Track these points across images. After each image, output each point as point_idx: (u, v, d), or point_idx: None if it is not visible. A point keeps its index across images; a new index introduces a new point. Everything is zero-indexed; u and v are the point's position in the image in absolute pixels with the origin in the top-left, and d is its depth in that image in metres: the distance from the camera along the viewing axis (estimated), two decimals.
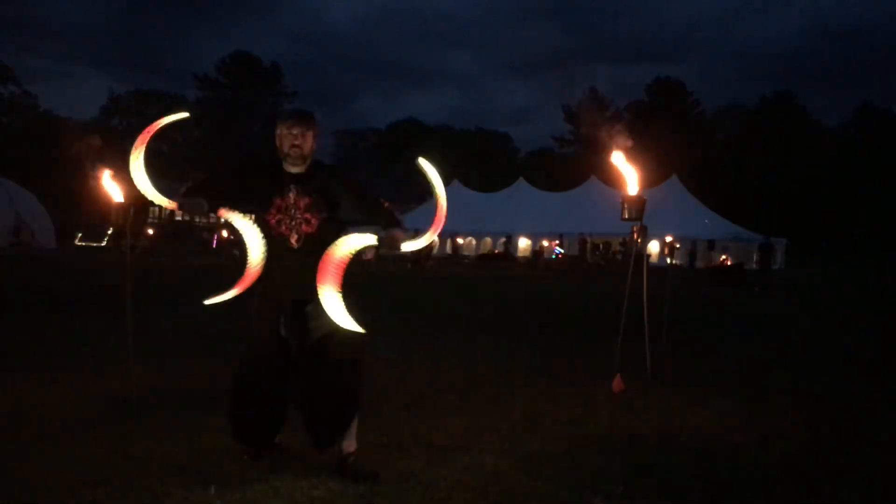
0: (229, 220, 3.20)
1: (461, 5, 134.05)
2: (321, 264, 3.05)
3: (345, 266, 3.08)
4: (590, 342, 7.53)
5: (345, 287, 3.11)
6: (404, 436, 3.80)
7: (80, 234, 37.45)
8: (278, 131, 3.28)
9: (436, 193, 3.33)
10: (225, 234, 37.09)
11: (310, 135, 3.26)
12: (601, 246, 33.37)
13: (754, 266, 25.61)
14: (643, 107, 70.45)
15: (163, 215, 56.30)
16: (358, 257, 3.21)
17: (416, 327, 8.21)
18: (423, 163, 3.33)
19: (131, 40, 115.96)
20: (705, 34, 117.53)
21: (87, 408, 4.19)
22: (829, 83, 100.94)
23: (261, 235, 3.17)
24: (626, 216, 5.43)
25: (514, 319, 10.17)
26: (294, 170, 3.28)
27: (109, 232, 34.42)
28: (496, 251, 37.01)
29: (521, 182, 44.42)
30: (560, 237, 33.46)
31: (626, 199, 5.44)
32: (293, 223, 3.20)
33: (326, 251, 3.06)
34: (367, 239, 3.09)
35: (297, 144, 3.23)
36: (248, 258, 3.18)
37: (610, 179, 31.82)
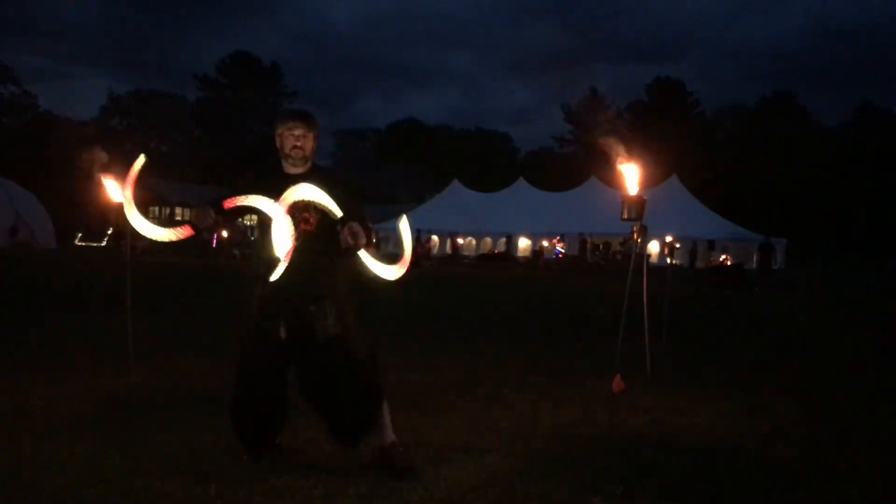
0: (250, 206, 3.11)
1: (461, 5, 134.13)
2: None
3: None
4: (590, 342, 7.53)
5: (344, 290, 3.12)
6: (404, 436, 3.79)
7: (80, 234, 37.45)
8: (279, 132, 3.26)
9: (403, 248, 3.31)
10: (225, 234, 37.08)
11: (311, 136, 3.25)
12: (601, 246, 33.38)
13: (754, 266, 25.61)
14: (643, 107, 70.49)
15: (162, 215, 56.33)
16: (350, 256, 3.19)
17: (415, 327, 8.21)
18: (403, 225, 3.36)
19: (131, 40, 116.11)
20: (705, 34, 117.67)
21: (87, 408, 4.19)
22: (829, 83, 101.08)
23: (283, 211, 3.07)
24: (626, 216, 5.44)
25: (514, 319, 10.16)
26: (294, 170, 3.27)
27: (109, 232, 34.41)
28: (496, 251, 37.02)
29: (521, 182, 44.43)
30: (561, 237, 33.46)
31: (626, 199, 5.44)
32: (295, 222, 3.16)
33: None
34: (328, 201, 3.02)
35: (298, 146, 3.22)
36: (282, 237, 3.06)
37: (610, 179, 31.85)
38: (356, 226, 2.99)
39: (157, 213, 56.74)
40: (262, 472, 3.16)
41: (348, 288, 3.32)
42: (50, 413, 4.04)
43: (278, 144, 3.28)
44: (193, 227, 3.13)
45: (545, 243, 34.19)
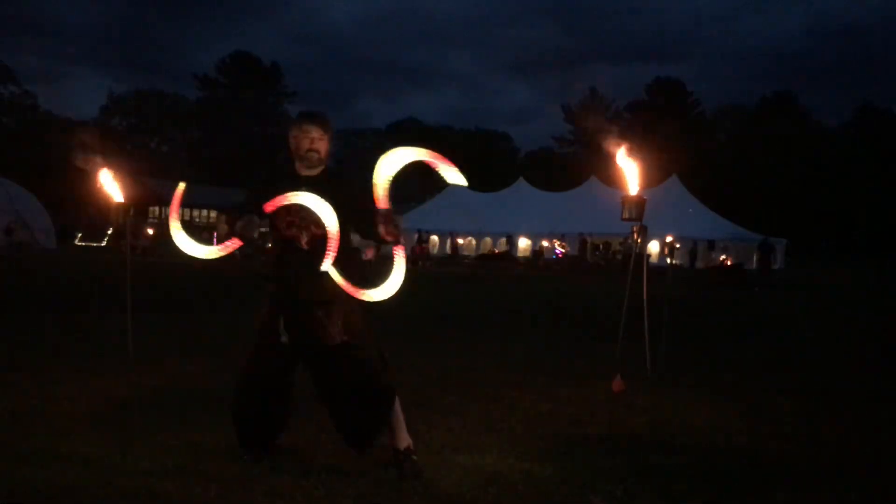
0: (295, 203, 3.05)
1: (461, 5, 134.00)
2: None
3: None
4: (590, 342, 7.53)
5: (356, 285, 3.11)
6: None
7: (80, 234, 37.45)
8: (293, 134, 3.22)
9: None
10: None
11: (326, 137, 3.22)
12: (601, 246, 33.37)
13: (754, 266, 25.62)
14: (643, 107, 70.48)
15: (162, 216, 56.31)
16: (358, 257, 3.19)
17: (415, 327, 8.21)
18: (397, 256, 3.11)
19: (131, 40, 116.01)
20: (705, 34, 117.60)
21: (87, 408, 4.19)
22: (829, 83, 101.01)
23: (323, 201, 3.02)
24: (626, 216, 5.44)
25: (514, 319, 10.17)
26: (308, 172, 3.24)
27: (109, 232, 34.43)
28: (496, 251, 37.01)
29: (521, 182, 44.42)
30: (561, 237, 33.45)
31: (626, 199, 5.44)
32: (304, 224, 3.15)
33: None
34: (326, 212, 2.97)
35: (314, 148, 3.19)
36: (327, 228, 3.02)
37: (610, 179, 31.87)
38: (399, 219, 2.99)
39: (157, 213, 56.74)
40: (262, 473, 3.16)
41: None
42: (50, 413, 4.04)
43: (292, 146, 3.24)
44: (241, 237, 3.08)
45: (545, 243, 34.19)
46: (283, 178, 3.24)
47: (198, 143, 74.47)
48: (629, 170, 5.31)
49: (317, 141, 3.20)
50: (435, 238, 36.13)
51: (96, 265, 19.46)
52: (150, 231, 35.78)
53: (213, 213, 59.14)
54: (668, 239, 20.59)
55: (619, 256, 30.13)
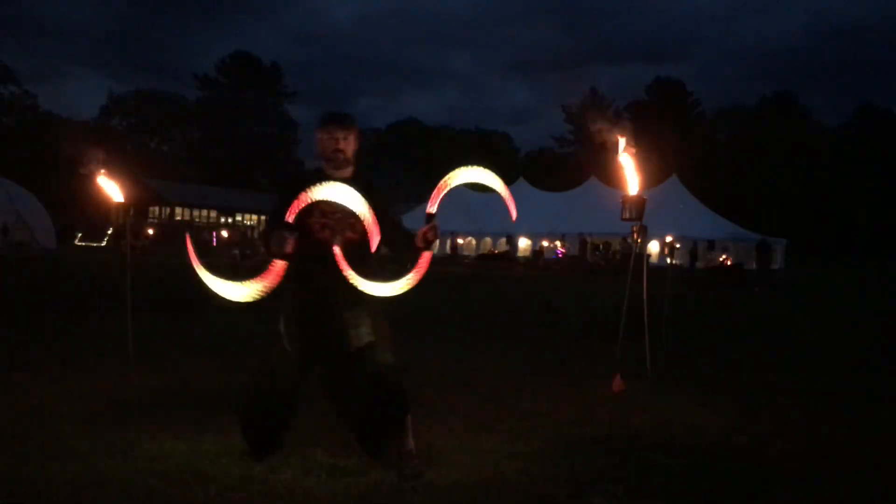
0: (329, 204, 3.01)
1: (461, 5, 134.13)
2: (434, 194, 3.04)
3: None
4: (590, 342, 7.53)
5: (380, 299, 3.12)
6: None
7: (80, 234, 37.48)
8: (318, 136, 3.20)
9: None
10: (225, 234, 37.10)
11: (351, 137, 3.19)
12: (601, 246, 33.38)
13: (754, 266, 25.62)
14: (643, 107, 70.49)
15: (163, 215, 56.33)
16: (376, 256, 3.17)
17: (415, 327, 8.21)
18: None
19: (131, 40, 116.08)
20: (705, 34, 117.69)
21: (87, 408, 4.19)
22: (829, 83, 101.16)
23: (348, 188, 2.96)
24: (626, 216, 5.43)
25: (514, 319, 10.17)
26: (338, 174, 3.20)
27: (109, 232, 34.44)
28: (496, 251, 37.02)
29: (521, 182, 44.41)
30: (561, 237, 33.46)
31: (626, 199, 5.44)
32: (339, 227, 3.13)
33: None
34: (360, 205, 2.94)
35: (340, 148, 3.17)
36: (358, 207, 2.95)
37: (610, 179, 31.87)
38: (437, 224, 3.04)
39: (157, 213, 56.73)
40: (262, 473, 3.16)
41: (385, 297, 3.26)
42: (50, 413, 4.04)
43: (319, 149, 3.22)
44: (276, 254, 2.95)
45: (545, 243, 34.19)
46: (313, 181, 3.17)
47: (198, 143, 74.48)
48: (631, 169, 5.30)
49: (341, 141, 3.17)
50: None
51: (96, 265, 19.47)
52: (150, 231, 35.81)
53: (213, 213, 59.16)
54: (668, 239, 20.61)
55: (618, 256, 30.16)
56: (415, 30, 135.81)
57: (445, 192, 3.09)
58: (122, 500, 2.86)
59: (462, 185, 3.33)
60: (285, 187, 3.17)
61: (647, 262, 6.24)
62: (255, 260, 27.25)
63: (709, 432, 4.17)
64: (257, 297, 2.95)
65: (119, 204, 5.63)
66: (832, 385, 5.77)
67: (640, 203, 5.39)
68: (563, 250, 32.76)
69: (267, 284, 2.94)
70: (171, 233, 43.28)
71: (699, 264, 29.69)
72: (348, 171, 3.24)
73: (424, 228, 3.04)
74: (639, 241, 5.67)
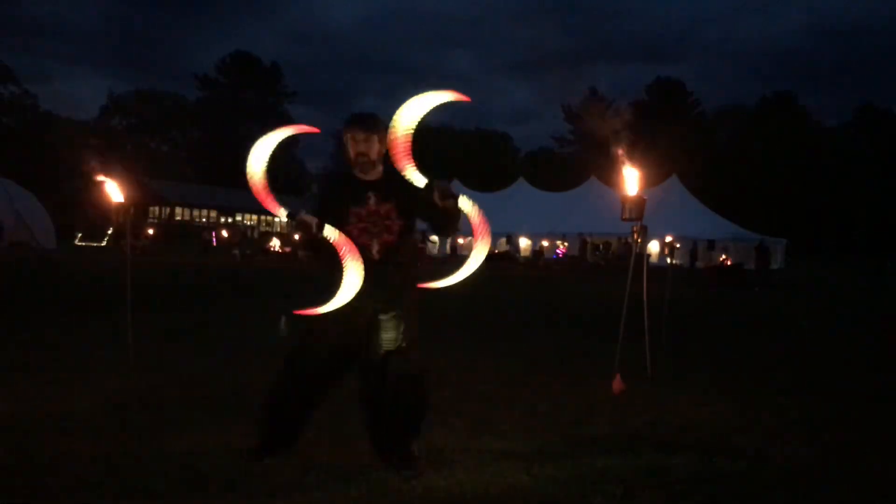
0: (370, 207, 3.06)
1: (461, 5, 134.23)
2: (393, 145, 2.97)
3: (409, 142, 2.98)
4: (590, 342, 7.53)
5: (415, 302, 3.16)
6: None
7: (80, 234, 37.46)
8: (344, 139, 3.19)
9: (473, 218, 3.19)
10: (225, 233, 37.11)
11: (374, 138, 3.14)
12: (601, 246, 33.39)
13: (753, 267, 25.62)
14: (643, 107, 70.47)
15: (163, 215, 56.32)
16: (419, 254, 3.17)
17: None
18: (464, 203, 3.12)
19: (131, 40, 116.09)
20: (705, 34, 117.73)
21: (87, 408, 4.19)
22: (829, 83, 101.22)
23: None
24: (626, 216, 5.43)
25: (514, 319, 10.16)
26: (368, 177, 3.18)
27: (109, 232, 34.44)
28: (495, 251, 37.01)
29: (521, 182, 44.42)
30: (561, 237, 33.46)
31: (626, 199, 5.43)
32: (375, 230, 3.12)
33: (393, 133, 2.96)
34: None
35: (362, 151, 3.14)
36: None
37: (610, 179, 31.86)
38: (444, 182, 2.97)
39: (157, 213, 56.73)
40: (262, 473, 3.16)
41: (418, 298, 3.27)
42: (50, 413, 4.04)
43: (346, 153, 3.21)
44: (305, 236, 3.03)
45: (545, 243, 34.18)
46: (346, 184, 3.20)
47: (198, 143, 74.48)
48: (630, 170, 5.30)
49: (362, 143, 3.14)
50: (435, 238, 36.12)
51: (96, 265, 19.47)
52: (150, 231, 35.81)
53: (213, 213, 59.16)
54: (668, 239, 20.60)
55: (614, 254, 30.18)
56: (415, 30, 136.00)
57: (404, 143, 2.97)
58: (122, 499, 2.86)
59: (463, 186, 3.30)
60: (324, 192, 3.25)
61: (647, 262, 6.23)
62: (255, 260, 27.27)
63: (709, 432, 4.17)
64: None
65: (119, 204, 5.63)
66: (832, 385, 5.77)
67: (640, 203, 5.38)
68: (563, 250, 32.76)
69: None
70: (172, 233, 43.33)
71: (699, 264, 29.68)
72: (377, 173, 3.20)
73: (437, 192, 2.97)
74: (639, 241, 5.67)
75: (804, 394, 5.33)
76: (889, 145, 60.83)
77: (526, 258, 34.67)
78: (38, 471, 3.11)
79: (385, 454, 3.23)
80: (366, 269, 3.07)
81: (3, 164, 38.76)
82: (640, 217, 5.43)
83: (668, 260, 11.61)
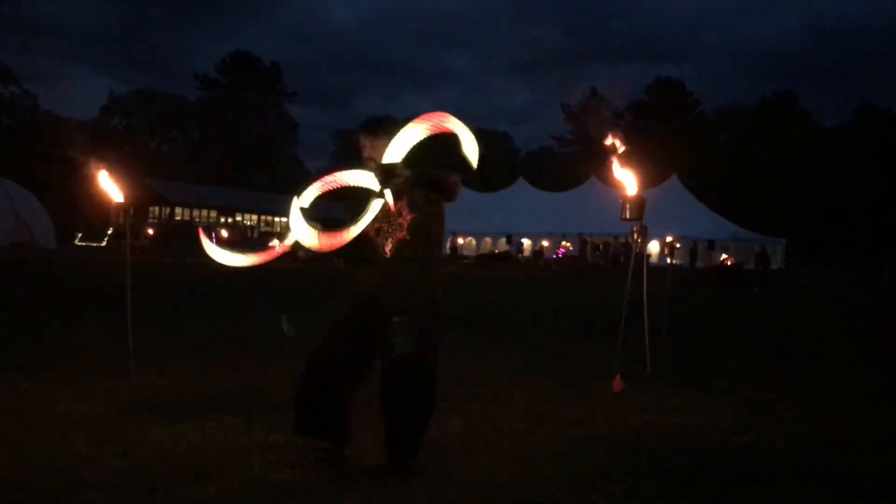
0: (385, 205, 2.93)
1: (461, 5, 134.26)
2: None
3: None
4: (590, 342, 7.53)
5: (430, 304, 3.12)
6: None
7: (80, 234, 37.45)
8: (360, 143, 3.20)
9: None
10: (225, 233, 37.09)
11: (378, 144, 3.10)
12: (601, 246, 33.40)
13: (752, 267, 25.63)
14: (643, 107, 70.50)
15: (163, 215, 56.32)
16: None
17: None
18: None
19: (131, 40, 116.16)
20: (705, 34, 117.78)
21: (87, 408, 4.19)
22: (829, 83, 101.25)
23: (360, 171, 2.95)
24: (626, 216, 5.43)
25: (514, 319, 10.16)
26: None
27: (109, 232, 34.42)
28: (496, 251, 37.03)
29: (521, 182, 44.45)
30: (561, 237, 33.47)
31: (626, 199, 5.43)
32: (390, 229, 3.12)
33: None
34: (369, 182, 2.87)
35: (366, 156, 3.15)
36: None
37: (610, 179, 31.77)
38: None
39: (157, 213, 56.73)
40: (262, 472, 3.16)
41: (437, 299, 3.21)
42: (50, 413, 4.04)
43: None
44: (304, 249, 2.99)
45: (545, 243, 34.18)
46: (363, 188, 3.17)
47: (198, 143, 74.50)
48: (626, 174, 5.29)
49: (367, 149, 3.15)
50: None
51: (96, 265, 19.46)
52: (150, 231, 35.81)
53: (213, 213, 59.16)
54: (668, 239, 20.59)
55: (611, 252, 30.20)
56: (415, 30, 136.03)
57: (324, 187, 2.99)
58: (122, 499, 2.86)
59: (463, 186, 3.28)
60: (350, 195, 3.19)
61: (647, 262, 6.23)
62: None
63: (709, 432, 4.17)
64: (250, 265, 3.12)
65: (119, 204, 5.62)
66: (832, 385, 5.77)
67: (640, 203, 5.38)
68: (564, 250, 32.75)
69: (261, 259, 3.07)
70: (171, 233, 43.30)
71: (699, 264, 29.70)
72: None
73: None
74: (639, 241, 5.67)
75: (804, 394, 5.34)
76: (889, 145, 60.84)
77: (526, 258, 34.68)
78: (38, 471, 3.11)
79: (390, 454, 3.22)
80: (378, 268, 3.09)
81: (3, 164, 38.79)
82: (640, 217, 5.43)
83: (668, 260, 11.61)
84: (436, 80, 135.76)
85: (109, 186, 5.51)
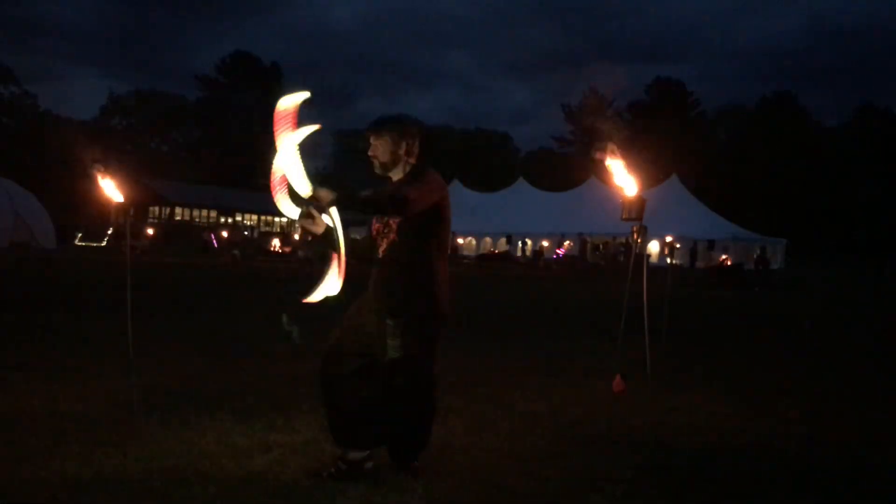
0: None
1: (461, 5, 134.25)
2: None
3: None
4: (590, 342, 7.53)
5: (426, 307, 3.07)
6: None
7: (80, 234, 37.47)
8: (368, 141, 3.19)
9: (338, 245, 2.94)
10: (225, 234, 37.09)
11: (380, 142, 3.11)
12: (601, 246, 33.41)
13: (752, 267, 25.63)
14: (643, 107, 70.48)
15: (163, 215, 56.31)
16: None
17: None
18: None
19: (131, 40, 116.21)
20: (705, 34, 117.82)
21: (87, 408, 4.19)
22: (829, 83, 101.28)
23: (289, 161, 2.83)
24: (626, 216, 5.43)
25: (514, 319, 10.16)
26: (392, 177, 3.17)
27: (109, 232, 34.43)
28: (495, 251, 37.03)
29: (521, 182, 44.48)
30: (561, 237, 33.48)
31: (626, 199, 5.43)
32: (386, 230, 3.12)
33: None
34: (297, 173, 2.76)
35: (370, 155, 3.15)
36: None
37: (610, 179, 31.77)
38: (316, 204, 2.83)
39: (157, 213, 56.72)
40: (261, 473, 3.16)
41: (440, 300, 3.12)
42: (50, 413, 4.04)
43: None
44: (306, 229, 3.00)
45: (545, 243, 34.19)
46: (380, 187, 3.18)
47: (198, 143, 74.46)
48: (619, 173, 5.28)
49: (372, 148, 3.15)
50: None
51: (96, 265, 19.46)
52: (150, 231, 35.82)
53: (213, 213, 59.15)
54: (668, 239, 20.60)
55: (621, 258, 30.19)
56: (415, 30, 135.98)
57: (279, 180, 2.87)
58: (122, 499, 2.86)
59: (463, 186, 3.27)
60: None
61: (647, 262, 6.23)
62: (256, 260, 27.26)
63: (709, 432, 4.17)
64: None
65: (119, 204, 5.62)
66: (832, 385, 5.77)
67: (640, 203, 5.38)
68: (564, 250, 32.77)
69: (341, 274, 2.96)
70: (171, 233, 43.30)
71: (699, 264, 29.70)
72: (397, 175, 3.16)
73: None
74: (639, 241, 5.66)
75: (804, 394, 5.34)
76: (889, 145, 60.82)
77: (526, 258, 34.69)
78: (38, 471, 3.11)
79: (391, 454, 3.22)
80: (374, 268, 3.10)
81: (3, 164, 38.81)
82: (640, 217, 5.43)
83: (668, 260, 11.62)
84: (436, 80, 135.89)
85: (109, 187, 5.51)
